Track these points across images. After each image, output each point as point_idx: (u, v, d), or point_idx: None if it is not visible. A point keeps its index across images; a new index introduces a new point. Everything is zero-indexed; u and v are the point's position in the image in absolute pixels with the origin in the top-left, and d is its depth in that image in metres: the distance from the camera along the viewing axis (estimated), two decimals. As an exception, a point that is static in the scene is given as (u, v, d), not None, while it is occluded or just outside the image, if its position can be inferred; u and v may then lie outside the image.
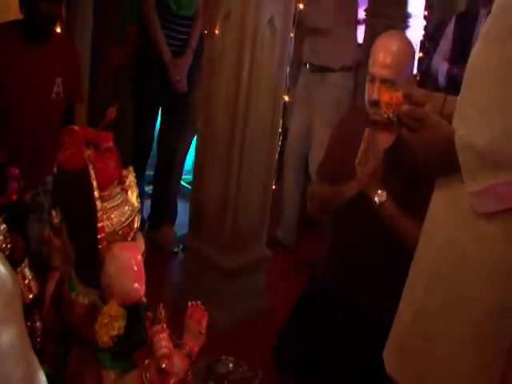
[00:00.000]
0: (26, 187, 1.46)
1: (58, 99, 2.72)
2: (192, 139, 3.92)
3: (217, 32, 2.79)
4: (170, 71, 3.46)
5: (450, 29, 4.22)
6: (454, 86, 3.67)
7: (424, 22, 4.16)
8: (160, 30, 3.42)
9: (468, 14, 4.35)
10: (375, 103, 2.04)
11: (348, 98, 3.73)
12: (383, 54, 2.10)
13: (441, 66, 4.16)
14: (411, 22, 4.18)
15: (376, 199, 1.98)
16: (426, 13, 4.50)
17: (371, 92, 2.10)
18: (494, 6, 1.34)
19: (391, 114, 1.57)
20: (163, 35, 3.44)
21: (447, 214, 1.39)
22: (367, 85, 2.15)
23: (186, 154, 4.05)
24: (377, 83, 2.08)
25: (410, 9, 4.17)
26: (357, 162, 2.02)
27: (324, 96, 3.62)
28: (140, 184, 1.61)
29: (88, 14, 3.41)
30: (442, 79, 4.11)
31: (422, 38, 4.53)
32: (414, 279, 1.49)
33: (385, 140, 2.11)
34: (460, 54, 3.92)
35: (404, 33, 3.63)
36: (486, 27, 1.35)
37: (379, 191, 1.99)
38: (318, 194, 2.29)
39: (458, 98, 1.45)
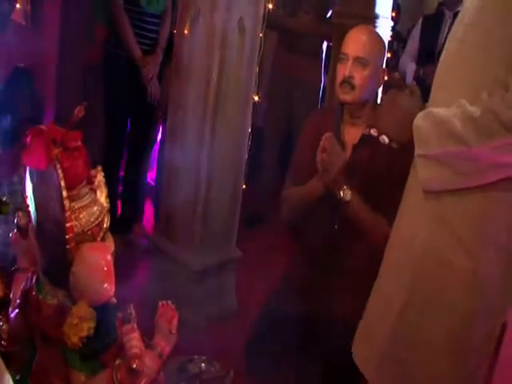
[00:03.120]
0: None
1: None
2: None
3: (186, 32, 2.78)
4: (140, 69, 3.41)
5: (416, 30, 4.29)
6: (420, 86, 3.73)
7: (391, 23, 4.19)
8: (129, 28, 3.36)
9: (434, 15, 4.43)
10: (345, 81, 2.06)
11: None
12: (357, 35, 2.11)
13: (408, 67, 4.22)
14: (379, 22, 4.21)
15: (342, 196, 1.99)
16: (394, 14, 4.54)
17: (343, 70, 2.09)
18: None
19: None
20: (133, 33, 3.38)
21: (420, 218, 1.41)
22: (338, 66, 2.13)
23: (151, 151, 4.04)
24: (349, 61, 2.07)
25: (378, 10, 4.20)
26: (319, 158, 1.99)
27: None
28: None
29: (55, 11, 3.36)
30: (409, 79, 4.16)
31: (389, 38, 4.58)
32: (390, 285, 1.49)
33: (352, 136, 2.12)
34: (426, 54, 3.99)
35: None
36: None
37: (345, 187, 2.00)
38: (290, 198, 2.27)
39: (430, 99, 1.50)
